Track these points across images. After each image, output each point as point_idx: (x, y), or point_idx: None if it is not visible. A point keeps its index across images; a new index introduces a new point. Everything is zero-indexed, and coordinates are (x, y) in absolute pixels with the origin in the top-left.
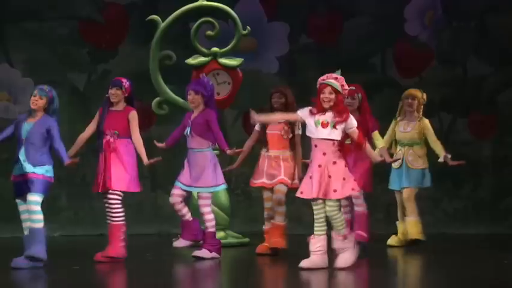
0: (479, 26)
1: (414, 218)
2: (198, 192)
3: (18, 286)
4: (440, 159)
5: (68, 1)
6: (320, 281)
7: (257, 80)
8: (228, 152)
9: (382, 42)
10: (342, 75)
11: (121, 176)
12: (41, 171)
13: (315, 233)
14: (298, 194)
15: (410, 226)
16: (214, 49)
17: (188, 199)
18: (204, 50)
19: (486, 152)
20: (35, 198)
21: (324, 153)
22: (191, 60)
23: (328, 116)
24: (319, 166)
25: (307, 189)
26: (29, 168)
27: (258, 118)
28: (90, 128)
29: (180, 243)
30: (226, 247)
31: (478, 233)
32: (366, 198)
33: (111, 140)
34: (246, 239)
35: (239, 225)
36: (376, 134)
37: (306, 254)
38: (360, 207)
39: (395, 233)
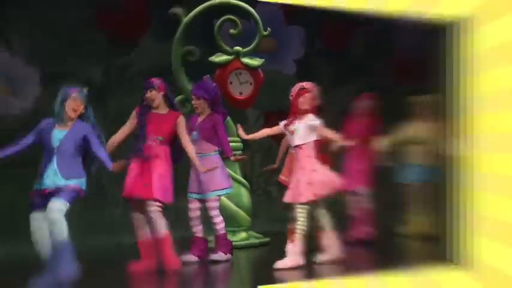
0: None
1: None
2: (207, 196)
3: None
4: None
5: None
6: None
7: (276, 81)
8: (232, 159)
9: (392, 48)
10: (355, 80)
11: (160, 185)
12: (74, 182)
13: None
14: (288, 199)
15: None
16: (237, 48)
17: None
18: (227, 48)
19: None
20: (58, 205)
21: (300, 160)
22: (214, 58)
23: (295, 124)
24: (302, 168)
25: (295, 194)
26: (60, 181)
27: (244, 135)
28: (125, 132)
29: (188, 257)
30: (248, 248)
31: None
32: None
33: (153, 145)
34: (267, 239)
35: (260, 225)
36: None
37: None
38: (365, 205)
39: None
